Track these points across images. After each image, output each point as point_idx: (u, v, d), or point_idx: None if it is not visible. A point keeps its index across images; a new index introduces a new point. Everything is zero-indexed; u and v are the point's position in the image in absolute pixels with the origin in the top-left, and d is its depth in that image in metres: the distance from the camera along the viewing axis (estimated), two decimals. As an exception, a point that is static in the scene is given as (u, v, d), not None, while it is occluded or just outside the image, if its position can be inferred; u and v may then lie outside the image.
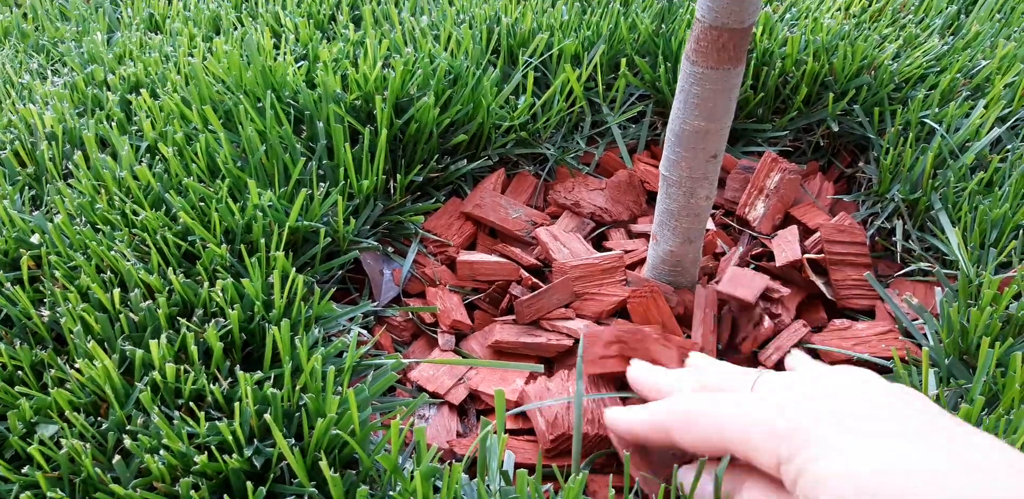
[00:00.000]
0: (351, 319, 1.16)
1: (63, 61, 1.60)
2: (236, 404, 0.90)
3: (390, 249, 1.31)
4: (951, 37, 1.66)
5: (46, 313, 1.05)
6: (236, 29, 1.61)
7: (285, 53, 1.47)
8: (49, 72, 1.56)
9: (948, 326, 1.08)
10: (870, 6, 1.68)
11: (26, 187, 1.28)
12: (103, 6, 1.78)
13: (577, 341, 1.15)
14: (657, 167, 1.41)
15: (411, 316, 1.24)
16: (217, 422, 0.88)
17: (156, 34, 1.65)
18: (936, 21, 1.64)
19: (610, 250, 1.32)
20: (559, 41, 1.52)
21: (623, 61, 1.51)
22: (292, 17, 1.61)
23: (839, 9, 1.64)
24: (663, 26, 1.57)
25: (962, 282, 1.14)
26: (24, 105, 1.37)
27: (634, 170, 1.47)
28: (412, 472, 0.87)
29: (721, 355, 1.19)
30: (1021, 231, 1.20)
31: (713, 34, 0.98)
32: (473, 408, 1.13)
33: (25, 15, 1.81)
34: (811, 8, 1.63)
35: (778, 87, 1.50)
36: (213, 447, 0.87)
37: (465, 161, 1.40)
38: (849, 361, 1.15)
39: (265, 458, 0.89)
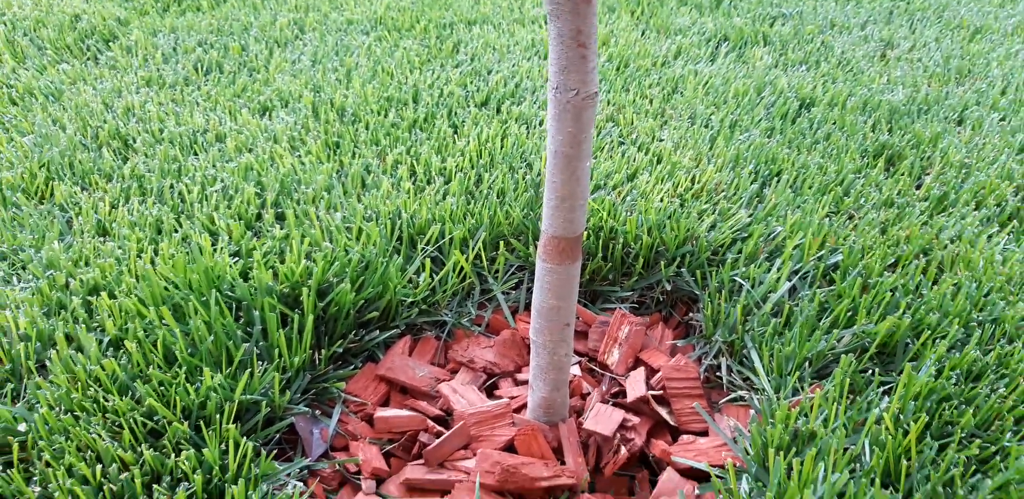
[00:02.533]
0: (289, 474, 1.42)
1: (24, 267, 1.88)
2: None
3: (317, 412, 1.59)
4: (758, 206, 2.11)
5: (37, 489, 1.28)
6: (176, 231, 1.93)
7: (221, 249, 1.79)
8: (14, 278, 1.82)
9: (754, 442, 1.42)
10: (692, 187, 2.13)
11: (5, 382, 1.52)
12: (52, 214, 2.08)
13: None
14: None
15: (338, 467, 1.50)
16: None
17: (104, 238, 1.95)
18: (744, 196, 2.09)
19: (499, 398, 1.63)
20: (450, 230, 1.89)
21: (501, 243, 1.89)
22: (224, 218, 1.94)
23: (667, 191, 2.08)
24: (530, 212, 1.97)
25: (763, 406, 1.49)
26: (-1, 310, 1.63)
27: (516, 328, 1.82)
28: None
29: (592, 476, 1.49)
30: (807, 363, 1.58)
31: (554, 241, 1.35)
32: (395, 541, 1.39)
33: (-16, 224, 2.08)
34: (646, 192, 2.06)
35: (623, 257, 1.90)
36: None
37: (377, 331, 1.72)
38: (691, 469, 1.47)
39: (231, 593, 1.13)
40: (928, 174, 2.21)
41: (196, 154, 2.31)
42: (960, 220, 1.98)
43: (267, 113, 2.56)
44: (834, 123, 2.46)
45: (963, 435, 1.39)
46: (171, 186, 2.11)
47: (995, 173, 2.17)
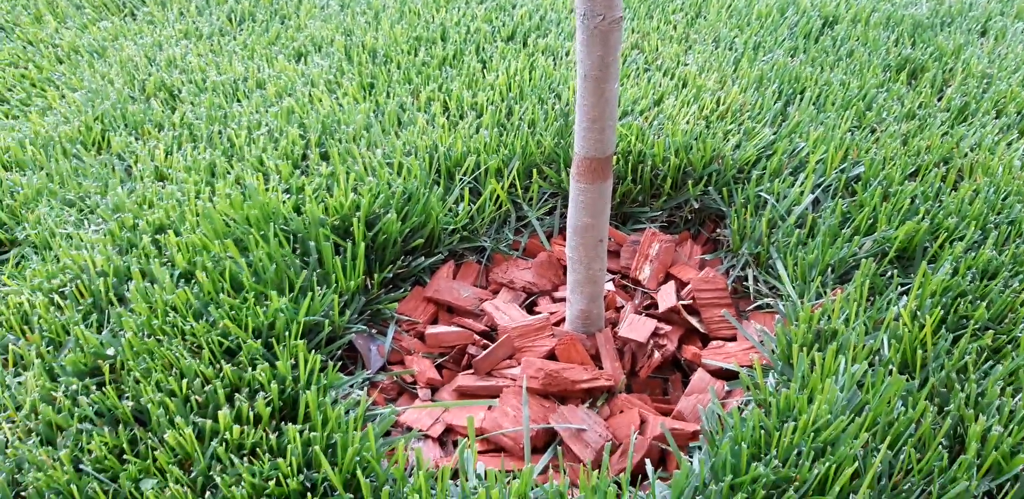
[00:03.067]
0: (352, 385, 1.57)
1: (92, 212, 2.02)
2: (287, 447, 1.29)
3: (373, 331, 1.73)
4: (782, 123, 2.16)
5: (130, 404, 1.43)
6: (229, 173, 2.05)
7: (273, 188, 1.91)
8: (85, 222, 1.97)
9: (779, 341, 1.52)
10: (717, 108, 2.19)
11: (89, 314, 1.67)
12: (111, 163, 2.21)
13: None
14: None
15: (396, 379, 1.65)
16: (277, 460, 1.27)
17: (163, 183, 2.08)
18: (768, 115, 2.15)
19: (539, 314, 1.75)
20: (484, 161, 1.99)
21: (534, 171, 1.98)
22: (272, 159, 2.06)
23: (693, 114, 2.14)
24: (561, 141, 2.05)
25: (788, 310, 1.59)
26: (75, 251, 1.78)
27: (552, 251, 1.93)
28: (414, 479, 1.27)
29: (628, 379, 1.61)
30: (829, 269, 1.67)
31: (587, 162, 1.45)
32: (450, 439, 1.53)
33: (48, 175, 2.22)
34: (672, 115, 2.13)
35: (651, 179, 1.98)
36: (277, 476, 1.26)
37: (423, 258, 1.84)
38: (720, 370, 1.58)
39: (312, 481, 1.28)
40: (950, 86, 2.24)
41: (239, 101, 2.42)
42: (980, 129, 2.02)
43: (302, 58, 2.65)
44: (857, 39, 2.48)
45: (977, 327, 1.48)
46: (219, 132, 2.23)
47: (1016, 82, 2.20)
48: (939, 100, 2.19)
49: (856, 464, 1.24)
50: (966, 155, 1.93)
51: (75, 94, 2.50)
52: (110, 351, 1.54)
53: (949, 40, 2.45)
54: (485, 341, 1.69)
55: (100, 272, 1.73)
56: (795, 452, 1.26)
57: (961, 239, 1.68)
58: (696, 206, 1.95)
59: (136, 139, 2.26)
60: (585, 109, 1.39)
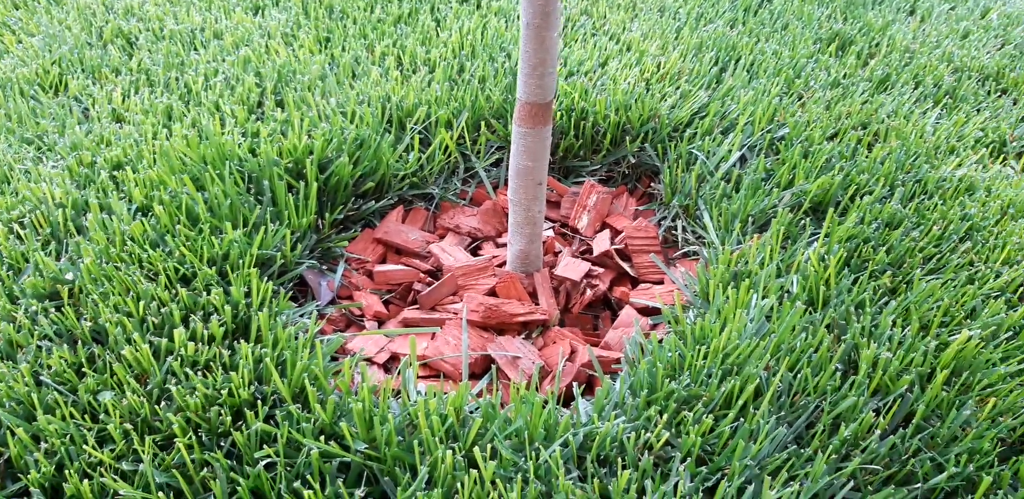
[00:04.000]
0: (302, 315, 1.66)
1: (51, 149, 2.07)
2: (239, 362, 1.39)
3: (324, 267, 1.82)
4: (716, 87, 2.29)
5: (89, 324, 1.51)
6: (186, 116, 2.11)
7: (229, 131, 1.98)
8: (43, 158, 2.02)
9: (700, 281, 1.66)
10: (657, 72, 2.31)
11: (47, 243, 1.74)
12: (69, 105, 2.25)
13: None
14: (511, 196, 1.97)
15: (344, 311, 1.74)
16: (230, 373, 1.37)
17: (120, 124, 2.13)
18: (704, 80, 2.28)
19: (482, 256, 1.86)
20: (435, 112, 2.08)
21: (483, 123, 2.08)
22: (228, 104, 2.12)
23: (635, 76, 2.26)
24: (509, 96, 2.15)
25: (711, 255, 1.73)
26: (34, 184, 1.83)
27: (497, 200, 2.03)
28: (359, 392, 1.38)
29: (562, 314, 1.74)
30: (750, 219, 1.81)
31: (527, 107, 1.55)
32: (394, 366, 1.64)
33: (7, 115, 2.25)
34: (615, 77, 2.25)
35: (593, 135, 2.10)
36: (229, 388, 1.35)
37: (373, 201, 1.93)
38: (647, 308, 1.72)
39: (262, 394, 1.38)
40: (875, 58, 2.39)
41: (196, 50, 2.46)
42: (899, 97, 2.18)
43: (260, 11, 2.69)
44: (793, 13, 2.62)
45: (876, 269, 1.63)
46: (176, 78, 2.28)
47: (936, 57, 2.36)
48: (863, 71, 2.34)
49: (759, 383, 1.38)
50: (883, 121, 2.08)
51: (32, 39, 2.52)
52: (69, 276, 1.61)
53: (878, 17, 2.60)
54: (430, 279, 1.80)
55: (58, 204, 1.79)
56: (706, 373, 1.40)
57: (870, 194, 1.83)
58: (633, 162, 2.07)
59: (93, 83, 2.30)
60: (527, 56, 1.49)
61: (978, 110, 2.18)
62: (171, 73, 2.29)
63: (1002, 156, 2.02)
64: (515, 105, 1.55)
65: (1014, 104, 2.22)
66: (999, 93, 2.26)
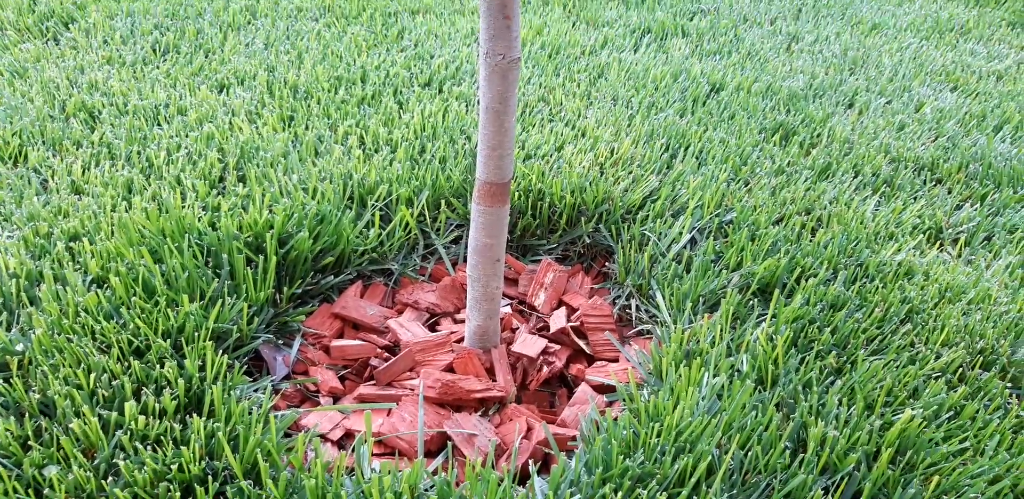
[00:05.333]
0: (256, 390, 1.65)
1: (7, 219, 2.05)
2: (191, 437, 1.36)
3: (280, 341, 1.81)
4: (667, 172, 2.39)
5: (37, 397, 1.48)
6: (146, 189, 2.12)
7: (190, 205, 1.99)
8: (-3, 229, 2.00)
9: (654, 359, 1.69)
10: (611, 157, 2.40)
11: (-3, 314, 1.71)
12: (28, 176, 2.25)
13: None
14: (469, 273, 2.00)
15: (299, 387, 1.73)
16: (181, 448, 1.34)
17: (79, 196, 2.14)
18: (655, 165, 2.37)
19: (440, 331, 1.88)
20: (396, 190, 2.13)
21: (443, 202, 2.13)
22: (190, 179, 2.15)
23: (589, 160, 2.35)
24: (469, 177, 2.21)
25: (663, 334, 1.77)
26: (-11, 254, 1.82)
27: (456, 276, 2.06)
28: (312, 468, 1.36)
29: (519, 391, 1.74)
30: (701, 300, 1.86)
31: (487, 187, 1.60)
32: (349, 443, 1.62)
33: (-39, 185, 2.24)
34: (570, 160, 2.33)
35: (549, 215, 2.16)
36: (180, 463, 1.32)
37: (332, 276, 1.95)
38: (602, 386, 1.73)
39: (213, 470, 1.35)
40: (816, 148, 2.52)
41: (160, 125, 2.50)
42: (839, 185, 2.29)
43: (224, 90, 2.75)
44: (739, 105, 2.76)
45: (822, 349, 1.68)
46: (138, 152, 2.30)
47: (874, 148, 2.50)
48: (806, 159, 2.46)
49: (711, 460, 1.40)
50: (826, 207, 2.18)
51: (-8, 109, 2.53)
52: (19, 347, 1.58)
53: (819, 110, 2.75)
54: (388, 355, 1.80)
55: (12, 274, 1.77)
56: (659, 450, 1.41)
57: (815, 276, 1.90)
58: (588, 241, 2.13)
59: (54, 155, 2.31)
60: (486, 137, 1.56)
61: (915, 198, 2.30)
62: (133, 147, 2.31)
63: (939, 242, 2.12)
64: (475, 184, 1.61)
65: (948, 193, 2.35)
66: (934, 182, 2.39)
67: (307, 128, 2.50)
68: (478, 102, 2.72)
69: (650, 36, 3.43)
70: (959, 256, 2.08)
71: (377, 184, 2.16)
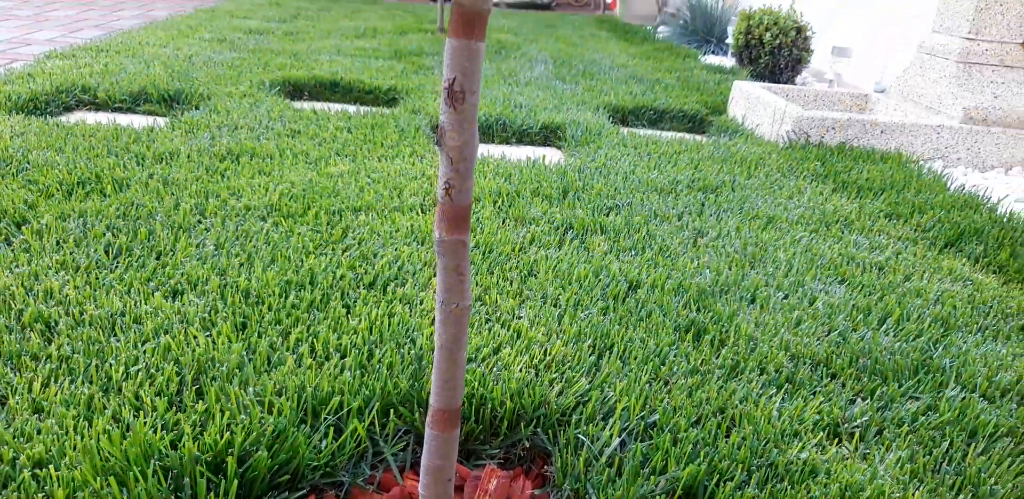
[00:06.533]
0: None
1: (-35, 443, 2.12)
2: None
3: (239, 563, 1.89)
4: (595, 373, 2.62)
5: None
6: (106, 408, 2.23)
7: (150, 423, 2.10)
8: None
9: (594, 570, 1.83)
10: (544, 359, 2.63)
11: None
12: (-15, 391, 2.33)
13: None
14: (417, 481, 2.14)
15: None
16: None
17: (39, 415, 2.22)
18: (584, 366, 2.60)
19: (392, 545, 1.98)
20: (348, 401, 2.29)
21: (392, 410, 2.29)
22: (149, 395, 2.27)
23: (525, 363, 2.57)
24: (415, 383, 2.40)
25: (601, 541, 1.92)
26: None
27: (404, 485, 2.19)
28: None
29: None
30: (634, 504, 2.03)
31: (440, 413, 1.79)
32: None
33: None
34: (508, 363, 2.54)
35: (491, 420, 2.34)
36: None
37: (287, 493, 2.06)
38: None
39: None
40: (725, 346, 2.81)
41: (116, 335, 2.63)
42: (747, 384, 2.55)
43: (178, 295, 2.92)
44: (655, 303, 3.07)
45: (745, 555, 1.86)
46: (97, 366, 2.42)
47: (776, 345, 2.80)
48: (717, 358, 2.74)
49: None
50: (737, 406, 2.43)
51: (-51, 321, 2.63)
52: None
53: (726, 306, 3.07)
54: (342, 572, 1.89)
55: (-27, 507, 1.83)
56: None
57: (731, 480, 2.10)
58: (528, 445, 2.31)
59: (13, 371, 2.41)
60: (440, 372, 1.76)
61: (814, 393, 2.57)
62: (91, 360, 2.43)
63: (836, 438, 2.37)
64: (429, 410, 1.79)
65: (843, 387, 2.63)
66: (830, 377, 2.68)
67: (259, 336, 2.67)
68: (421, 303, 2.95)
69: (572, 232, 3.79)
70: (855, 450, 2.32)
71: (329, 395, 2.32)
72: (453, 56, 1.49)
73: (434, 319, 2.76)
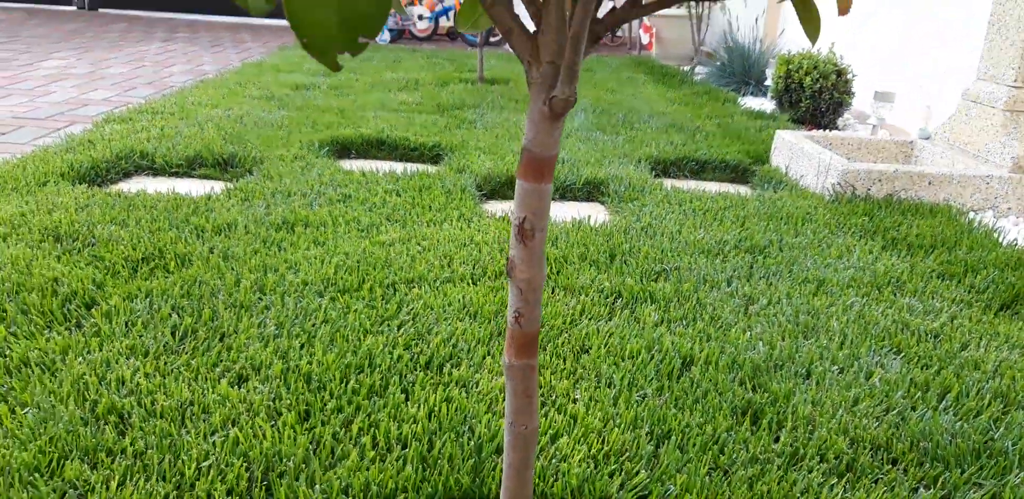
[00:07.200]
0: None
1: (49, 546, 2.20)
2: None
3: None
4: (654, 463, 2.63)
5: None
6: (181, 508, 2.30)
7: (225, 529, 2.17)
8: (42, 558, 2.14)
9: None
10: (603, 448, 2.65)
11: None
12: (64, 490, 2.42)
13: None
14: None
15: None
16: None
17: (117, 514, 2.30)
18: (643, 456, 2.62)
19: None
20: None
21: (452, 506, 2.33)
22: (220, 494, 2.34)
23: (583, 453, 2.59)
24: (476, 478, 2.44)
25: None
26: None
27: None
28: None
29: None
30: None
31: (504, 527, 1.83)
32: None
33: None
34: (567, 454, 2.57)
35: (552, 516, 2.37)
36: None
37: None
38: None
39: None
40: (783, 428, 2.81)
41: (186, 426, 2.72)
42: (807, 473, 2.55)
43: (243, 382, 3.01)
44: (710, 380, 3.08)
45: None
46: (169, 462, 2.51)
47: (834, 428, 2.79)
48: (776, 443, 2.73)
49: None
50: (798, 498, 2.43)
51: (25, 412, 2.74)
52: None
53: (781, 383, 3.08)
54: None
55: None
56: None
57: (799, 584, 2.10)
58: (590, 543, 2.33)
59: (91, 468, 2.50)
60: (508, 491, 1.81)
61: (875, 482, 2.56)
62: (165, 456, 2.52)
63: (902, 534, 2.36)
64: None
65: (904, 474, 2.61)
66: (891, 463, 2.66)
67: (323, 424, 2.74)
68: (476, 385, 3.00)
69: (621, 300, 3.82)
70: (924, 547, 2.30)
71: (393, 493, 2.37)
72: (523, 197, 1.56)
73: (490, 407, 2.82)
